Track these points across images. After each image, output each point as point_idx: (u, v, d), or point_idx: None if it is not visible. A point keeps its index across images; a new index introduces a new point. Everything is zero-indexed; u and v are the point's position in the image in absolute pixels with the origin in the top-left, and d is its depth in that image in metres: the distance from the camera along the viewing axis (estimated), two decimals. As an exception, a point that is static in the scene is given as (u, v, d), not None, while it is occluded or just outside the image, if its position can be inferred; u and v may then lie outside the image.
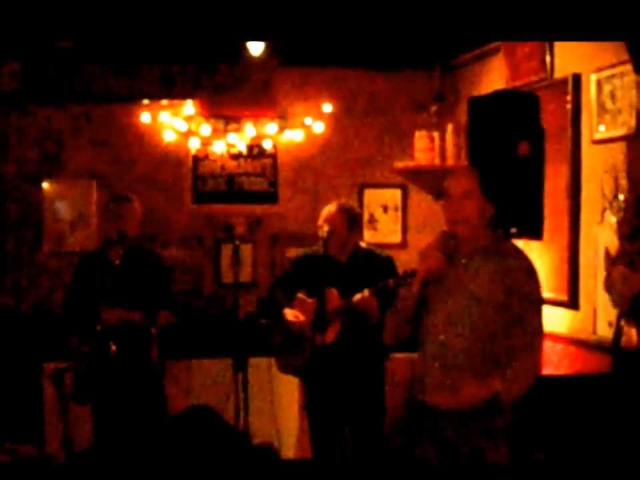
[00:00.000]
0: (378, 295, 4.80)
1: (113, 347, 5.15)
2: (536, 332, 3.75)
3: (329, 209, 5.15)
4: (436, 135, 6.90)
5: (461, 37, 4.97)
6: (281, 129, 7.24)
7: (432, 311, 3.80)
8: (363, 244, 5.28)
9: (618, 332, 4.58)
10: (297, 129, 7.24)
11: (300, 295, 5.16)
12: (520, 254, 3.82)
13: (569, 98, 5.33)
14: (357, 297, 4.88)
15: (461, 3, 4.00)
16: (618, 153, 4.85)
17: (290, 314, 5.14)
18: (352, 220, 5.15)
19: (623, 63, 4.74)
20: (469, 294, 3.72)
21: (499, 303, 3.68)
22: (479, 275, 3.73)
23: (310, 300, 5.08)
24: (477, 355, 3.69)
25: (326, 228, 5.06)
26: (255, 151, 7.41)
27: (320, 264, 5.08)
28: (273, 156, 7.46)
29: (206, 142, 7.24)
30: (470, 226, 3.73)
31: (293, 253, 6.93)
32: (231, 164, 7.43)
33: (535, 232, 5.37)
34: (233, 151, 7.33)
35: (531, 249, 5.76)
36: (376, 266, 5.10)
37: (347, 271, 5.12)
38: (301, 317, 5.09)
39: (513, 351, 3.67)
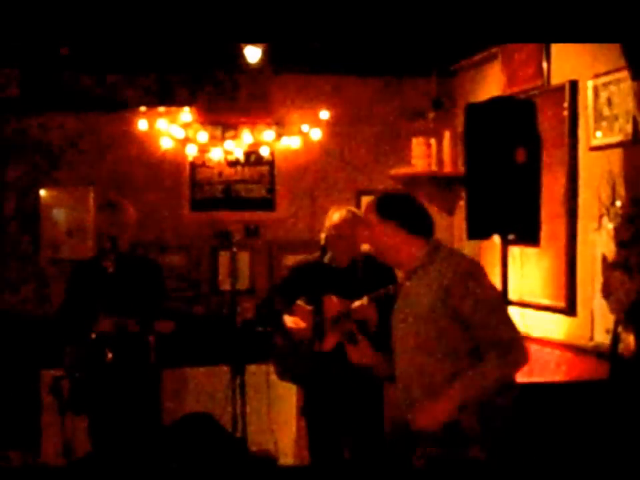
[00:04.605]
0: (377, 302, 4.78)
1: (109, 355, 5.13)
2: (489, 329, 3.51)
3: (341, 214, 5.10)
4: (433, 141, 6.90)
5: (457, 39, 4.96)
6: (278, 136, 7.25)
7: (393, 341, 3.77)
8: (362, 250, 5.26)
9: (615, 338, 4.59)
10: (294, 135, 7.24)
11: (299, 302, 5.14)
12: (454, 259, 3.68)
13: (565, 105, 5.34)
14: (356, 303, 4.85)
15: (456, 7, 4.01)
16: (615, 159, 4.86)
17: (289, 321, 5.12)
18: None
19: (619, 69, 4.75)
20: (413, 315, 3.66)
21: (441, 315, 3.56)
22: (416, 294, 3.67)
23: (309, 307, 5.07)
24: (433, 373, 3.58)
25: (334, 232, 5.05)
26: (252, 157, 7.42)
27: (319, 271, 5.07)
28: (270, 163, 7.46)
29: (203, 149, 7.24)
30: (389, 254, 3.74)
31: (290, 260, 6.94)
32: (228, 171, 7.43)
33: (532, 238, 5.37)
34: (230, 158, 7.33)
35: (528, 255, 5.78)
36: (376, 272, 5.08)
37: (347, 277, 5.11)
38: (301, 324, 5.08)
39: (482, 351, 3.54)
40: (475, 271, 3.64)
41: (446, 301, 3.55)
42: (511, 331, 3.53)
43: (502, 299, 3.69)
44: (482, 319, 3.50)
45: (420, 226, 3.74)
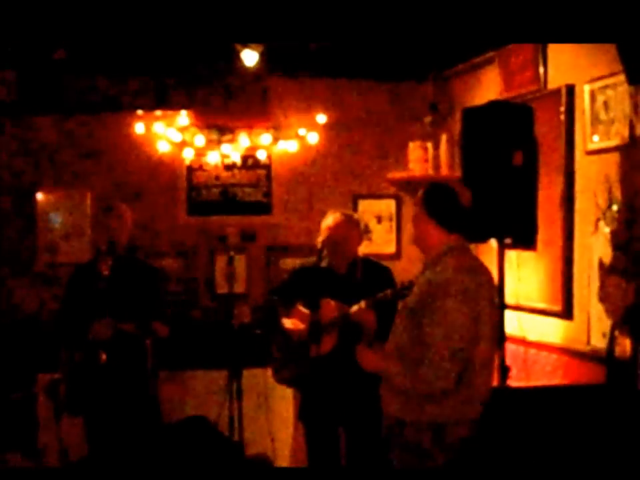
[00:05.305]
0: (375, 306, 4.78)
1: (103, 356, 5.12)
2: (432, 346, 3.68)
3: (335, 218, 5.09)
4: (430, 145, 6.92)
5: (453, 39, 4.95)
6: (275, 140, 7.24)
7: None
8: (360, 254, 5.26)
9: (612, 342, 4.59)
10: (291, 139, 7.24)
11: (298, 306, 5.14)
12: (445, 269, 3.78)
13: (562, 109, 5.35)
14: (354, 308, 4.85)
15: (452, 7, 4.01)
16: (611, 163, 4.86)
17: (288, 322, 5.12)
18: (361, 231, 5.19)
19: (616, 73, 4.76)
20: (406, 306, 3.92)
21: (411, 314, 3.81)
22: (417, 288, 3.91)
23: (307, 311, 5.06)
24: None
25: (328, 236, 5.04)
26: (249, 161, 7.42)
27: (318, 275, 5.06)
28: (267, 167, 7.47)
29: (200, 153, 7.24)
30: (418, 237, 3.96)
31: (287, 263, 6.95)
32: (225, 174, 7.44)
33: (528, 242, 5.38)
34: (227, 161, 7.33)
35: (525, 259, 5.78)
36: (375, 277, 5.08)
37: (346, 281, 5.11)
38: (300, 325, 5.07)
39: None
40: (456, 290, 3.70)
41: (420, 307, 3.74)
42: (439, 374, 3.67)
43: (462, 336, 3.69)
44: (431, 341, 3.67)
45: (449, 222, 3.86)
